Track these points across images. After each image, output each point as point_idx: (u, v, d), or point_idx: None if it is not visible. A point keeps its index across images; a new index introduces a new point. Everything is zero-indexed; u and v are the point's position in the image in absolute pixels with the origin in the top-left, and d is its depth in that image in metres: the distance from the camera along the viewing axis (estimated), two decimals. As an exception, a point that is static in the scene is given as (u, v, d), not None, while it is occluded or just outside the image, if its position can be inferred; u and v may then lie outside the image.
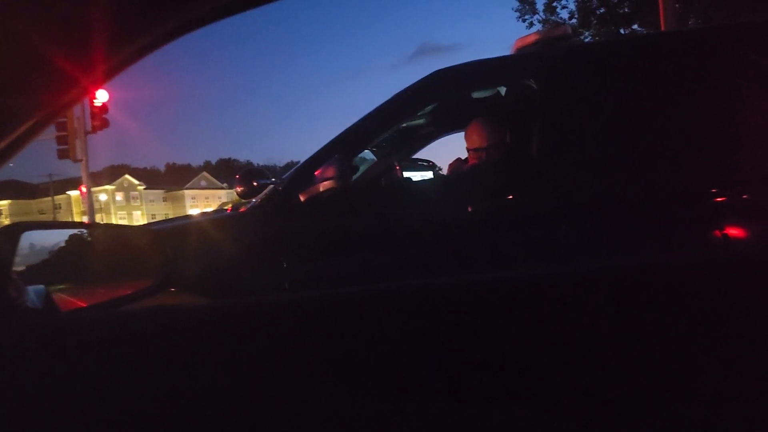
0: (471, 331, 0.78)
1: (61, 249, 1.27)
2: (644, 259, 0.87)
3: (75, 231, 1.39)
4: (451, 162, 3.13)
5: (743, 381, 0.69)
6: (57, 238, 1.28)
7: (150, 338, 0.86)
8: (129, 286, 1.28)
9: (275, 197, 2.50)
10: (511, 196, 2.36)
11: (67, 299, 1.23)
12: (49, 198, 62.71)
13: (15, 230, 1.07)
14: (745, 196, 2.22)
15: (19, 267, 1.15)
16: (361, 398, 0.76)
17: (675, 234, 2.19)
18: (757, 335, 0.72)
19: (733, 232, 2.18)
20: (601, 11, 16.80)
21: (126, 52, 0.62)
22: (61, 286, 1.26)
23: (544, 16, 17.73)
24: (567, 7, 17.41)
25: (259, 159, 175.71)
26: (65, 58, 0.58)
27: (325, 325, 0.84)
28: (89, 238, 1.39)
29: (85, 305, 1.26)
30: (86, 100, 14.62)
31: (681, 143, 2.32)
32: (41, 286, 1.14)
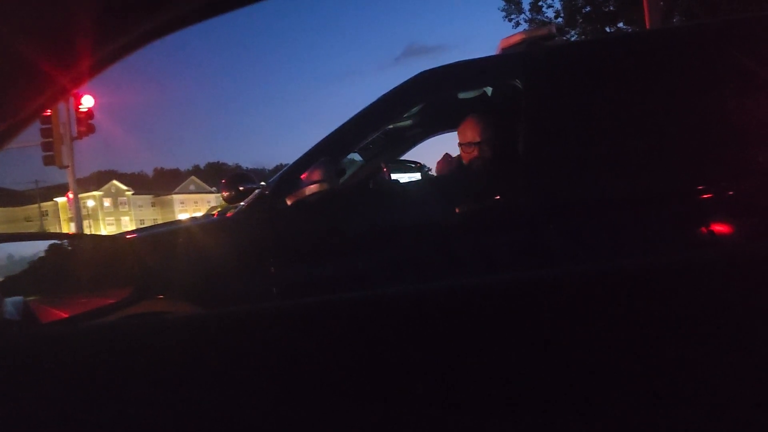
0: (467, 336, 0.77)
1: (40, 260, 1.25)
2: (640, 259, 0.87)
3: (50, 242, 1.37)
4: (439, 159, 3.12)
5: (743, 384, 0.69)
6: (35, 249, 1.26)
7: (136, 350, 0.85)
8: (109, 295, 1.26)
9: (262, 201, 2.49)
10: (498, 197, 2.36)
11: (47, 310, 1.21)
12: (36, 205, 62.18)
13: None
14: (732, 193, 2.23)
15: None
16: (356, 408, 0.75)
17: (667, 233, 2.20)
18: (756, 335, 0.71)
19: (723, 229, 2.19)
20: (587, 10, 16.91)
21: (106, 50, 0.60)
22: (41, 297, 1.24)
23: (530, 16, 17.83)
24: (553, 6, 17.53)
25: (248, 162, 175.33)
26: (40, 56, 0.56)
27: (317, 332, 0.83)
28: (67, 249, 1.37)
29: (65, 315, 1.24)
30: (71, 106, 14.53)
31: (669, 141, 2.33)
32: (19, 298, 1.12)
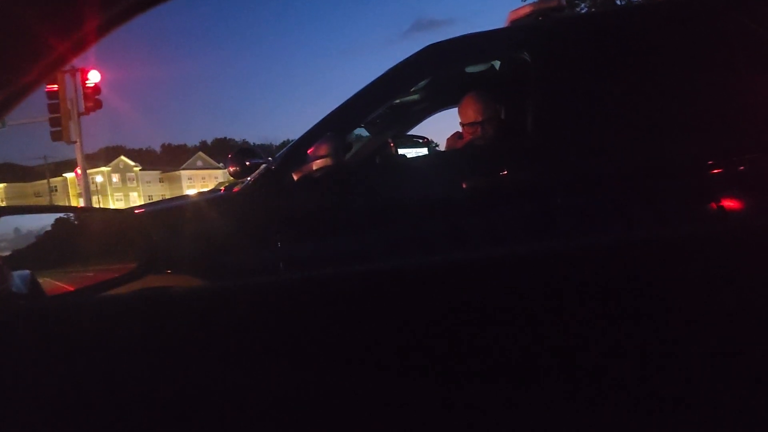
0: (467, 313, 0.77)
1: (47, 233, 1.26)
2: (646, 233, 0.86)
3: (56, 215, 1.37)
4: (448, 137, 3.10)
5: (744, 377, 0.68)
6: (42, 222, 1.26)
7: (138, 323, 0.85)
8: (114, 269, 1.27)
9: (268, 176, 2.48)
10: (505, 172, 2.34)
11: (54, 284, 1.22)
12: (45, 180, 62.51)
13: None
14: (744, 169, 2.20)
15: (3, 252, 1.13)
16: (356, 385, 0.75)
17: (676, 209, 2.18)
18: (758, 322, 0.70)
19: (731, 205, 2.16)
20: (597, -17, 16.58)
21: (104, 16, 0.58)
22: (47, 271, 1.25)
23: (539, -11, 17.51)
24: (563, -21, 17.19)
25: (255, 138, 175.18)
26: (38, 21, 0.55)
27: (319, 306, 0.83)
28: (74, 222, 1.37)
29: (71, 289, 1.24)
30: (78, 81, 14.49)
31: (678, 115, 2.29)
32: (26, 272, 1.13)
